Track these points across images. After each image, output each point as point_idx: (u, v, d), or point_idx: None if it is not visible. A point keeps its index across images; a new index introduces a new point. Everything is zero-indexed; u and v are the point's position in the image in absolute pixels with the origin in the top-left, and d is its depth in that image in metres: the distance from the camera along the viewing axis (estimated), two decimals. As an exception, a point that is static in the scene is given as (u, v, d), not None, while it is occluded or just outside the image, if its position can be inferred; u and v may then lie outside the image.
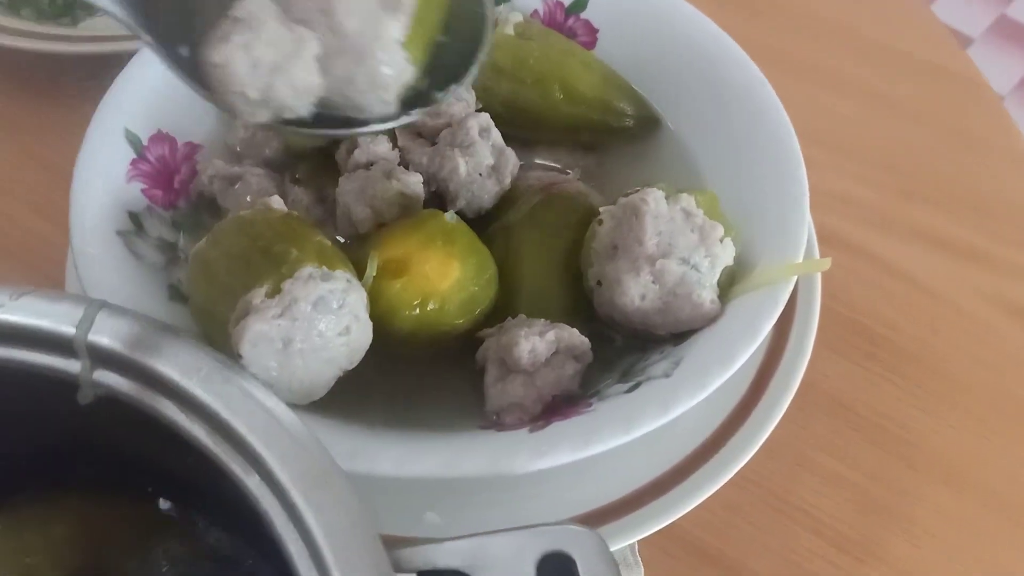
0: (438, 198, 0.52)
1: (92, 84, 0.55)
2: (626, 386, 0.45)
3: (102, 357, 0.33)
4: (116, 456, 0.37)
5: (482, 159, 0.51)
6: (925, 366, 0.59)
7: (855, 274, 0.62)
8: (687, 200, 0.47)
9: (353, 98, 0.44)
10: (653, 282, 0.46)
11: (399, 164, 0.52)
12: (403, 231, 0.48)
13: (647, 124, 0.58)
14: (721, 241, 0.47)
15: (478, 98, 0.55)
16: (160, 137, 0.54)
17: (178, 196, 0.54)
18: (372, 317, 0.44)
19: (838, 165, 0.68)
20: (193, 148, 0.56)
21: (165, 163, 0.54)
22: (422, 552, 0.30)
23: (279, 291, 0.41)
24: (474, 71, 0.46)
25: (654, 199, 0.47)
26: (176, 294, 0.49)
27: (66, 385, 0.33)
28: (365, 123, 0.45)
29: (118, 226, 0.50)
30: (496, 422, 0.46)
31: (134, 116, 0.53)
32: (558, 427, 0.43)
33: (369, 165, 0.51)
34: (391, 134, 0.53)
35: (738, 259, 0.48)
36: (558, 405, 0.46)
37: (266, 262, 0.42)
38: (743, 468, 0.48)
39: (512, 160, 0.52)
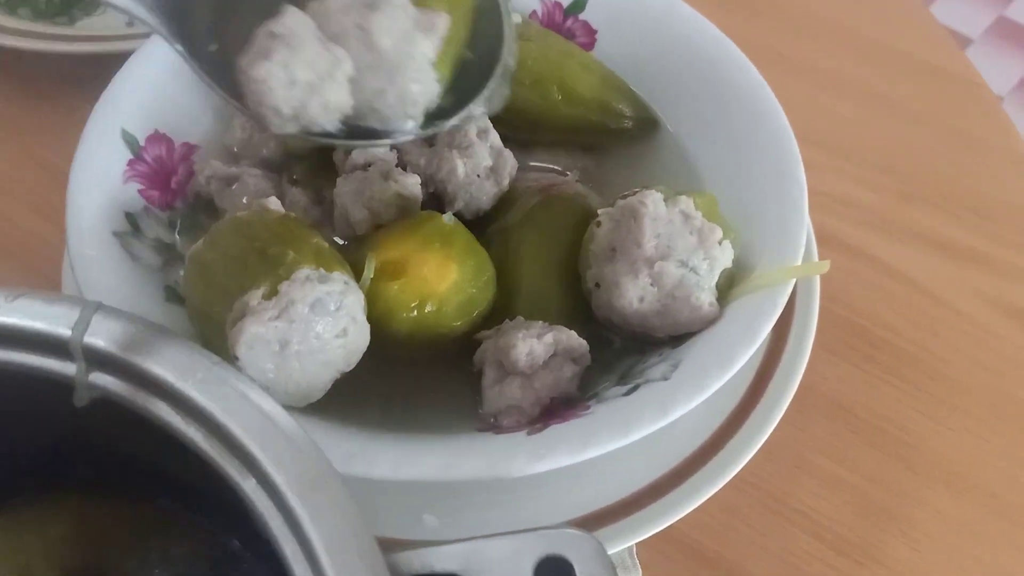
0: (436, 199, 0.52)
1: (90, 84, 0.55)
2: (624, 388, 0.45)
3: (98, 359, 0.33)
4: (115, 457, 0.37)
5: (480, 160, 0.51)
6: (924, 368, 0.59)
7: (854, 276, 0.62)
8: (686, 202, 0.47)
9: (380, 111, 0.45)
10: (651, 284, 0.46)
11: (397, 165, 0.52)
12: (401, 233, 0.48)
13: (646, 126, 0.58)
14: (720, 243, 0.47)
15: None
16: (157, 137, 0.54)
17: (175, 197, 0.54)
18: (369, 319, 0.44)
19: (837, 166, 0.68)
20: (190, 148, 0.55)
21: (162, 163, 0.54)
22: (419, 556, 0.30)
23: (276, 293, 0.41)
24: (492, 86, 0.47)
25: (653, 201, 0.47)
26: (173, 295, 0.49)
27: (63, 387, 0.33)
28: (389, 135, 0.46)
29: (115, 227, 0.49)
30: (494, 425, 0.46)
31: (131, 116, 0.53)
32: (556, 430, 0.43)
33: (367, 166, 0.51)
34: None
35: (737, 261, 0.48)
36: (556, 408, 0.46)
37: (263, 264, 0.42)
38: (741, 471, 0.48)
39: (510, 161, 0.52)
